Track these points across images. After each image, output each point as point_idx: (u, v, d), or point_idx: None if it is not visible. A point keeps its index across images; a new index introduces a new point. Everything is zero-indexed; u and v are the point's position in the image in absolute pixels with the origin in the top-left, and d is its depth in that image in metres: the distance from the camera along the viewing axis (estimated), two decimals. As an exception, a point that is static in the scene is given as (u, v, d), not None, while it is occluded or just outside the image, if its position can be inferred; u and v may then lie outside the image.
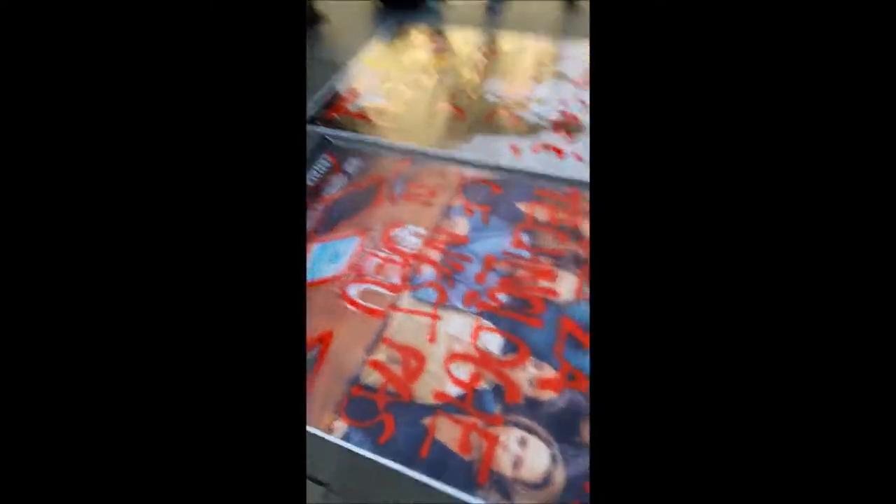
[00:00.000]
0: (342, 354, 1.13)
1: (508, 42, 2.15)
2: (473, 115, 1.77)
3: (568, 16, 2.35)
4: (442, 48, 2.16)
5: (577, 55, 1.99)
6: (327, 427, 1.01)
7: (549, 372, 1.07)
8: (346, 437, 1.00)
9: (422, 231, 1.37)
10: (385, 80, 1.98)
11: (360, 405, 1.07)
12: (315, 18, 2.39)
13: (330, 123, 1.78)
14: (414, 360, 1.11)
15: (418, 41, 2.23)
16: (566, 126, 1.67)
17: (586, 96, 1.78)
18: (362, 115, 1.81)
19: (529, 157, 1.57)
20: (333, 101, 1.89)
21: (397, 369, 1.09)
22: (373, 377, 1.09)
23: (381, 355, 1.12)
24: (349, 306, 1.21)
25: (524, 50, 2.08)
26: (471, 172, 1.53)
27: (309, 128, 1.77)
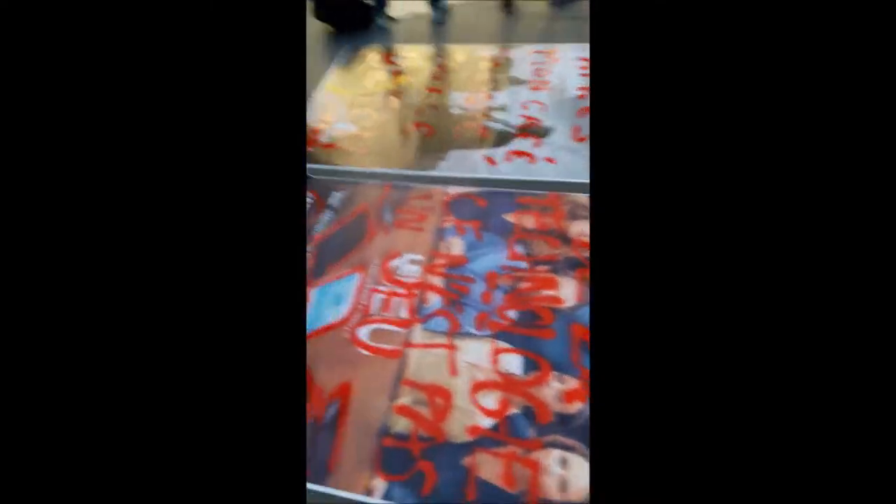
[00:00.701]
0: (365, 406, 0.96)
1: (460, 53, 1.95)
2: (443, 130, 1.58)
3: (508, 21, 2.16)
4: (399, 67, 1.94)
5: (525, 58, 1.82)
6: (365, 489, 0.85)
7: (571, 382, 0.94)
8: (387, 496, 0.84)
9: (419, 258, 1.19)
10: (351, 106, 1.75)
11: (395, 457, 0.91)
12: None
13: (306, 158, 1.55)
14: (440, 398, 0.95)
15: (375, 62, 1.99)
16: (531, 130, 1.50)
17: (542, 98, 1.61)
18: (336, 146, 1.59)
19: (504, 166, 1.41)
20: (306, 136, 1.65)
21: (425, 411, 0.93)
22: (401, 424, 0.93)
23: (405, 399, 0.96)
24: (362, 350, 1.03)
25: (476, 59, 1.89)
26: (453, 189, 1.35)
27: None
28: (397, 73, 1.95)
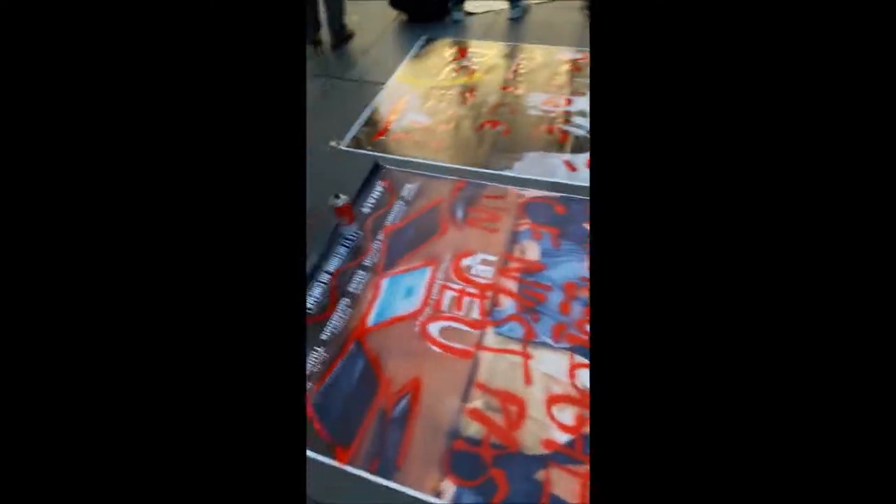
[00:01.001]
0: (435, 404, 0.96)
1: (538, 53, 1.93)
2: (519, 131, 1.57)
3: (588, 23, 2.12)
4: (473, 62, 1.94)
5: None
6: (434, 490, 0.84)
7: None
8: (457, 500, 0.84)
9: (492, 258, 1.19)
10: (424, 98, 1.76)
11: (466, 461, 0.90)
12: (345, 37, 2.15)
13: (377, 146, 1.57)
14: (513, 405, 0.94)
15: (449, 55, 2.00)
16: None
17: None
18: (408, 136, 1.60)
19: (585, 172, 1.38)
20: (377, 122, 1.68)
21: (498, 417, 0.93)
22: (473, 428, 0.92)
23: (477, 402, 0.95)
24: (432, 347, 1.03)
25: (555, 62, 1.87)
26: (530, 192, 1.34)
27: (359, 151, 1.56)
28: (472, 68, 1.95)
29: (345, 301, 1.14)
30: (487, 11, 2.29)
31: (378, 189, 1.42)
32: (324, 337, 1.07)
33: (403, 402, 0.95)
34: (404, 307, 1.12)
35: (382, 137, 1.61)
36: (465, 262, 1.19)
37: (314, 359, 1.04)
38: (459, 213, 1.31)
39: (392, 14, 2.33)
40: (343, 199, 1.23)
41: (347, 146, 1.59)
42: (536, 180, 1.38)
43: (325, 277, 1.19)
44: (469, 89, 1.79)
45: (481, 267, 1.17)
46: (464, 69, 1.91)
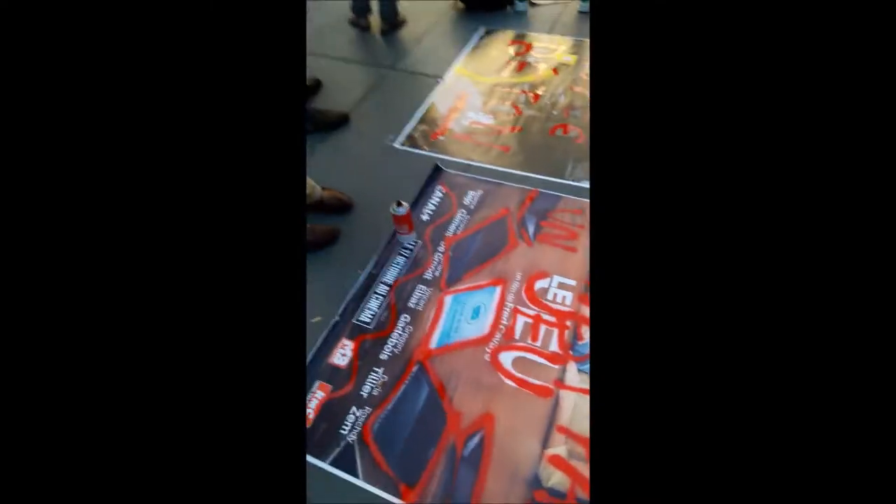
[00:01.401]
0: (512, 446, 0.89)
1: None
2: (594, 137, 1.47)
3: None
4: (539, 59, 1.85)
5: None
6: (515, 547, 0.78)
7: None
8: (539, 562, 0.77)
9: (570, 283, 1.11)
10: (487, 97, 1.68)
11: (548, 517, 0.83)
12: (397, 23, 2.08)
13: (435, 146, 1.50)
14: (601, 457, 0.86)
15: (513, 49, 1.91)
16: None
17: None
18: (470, 138, 1.52)
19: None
20: (435, 120, 1.61)
21: (583, 468, 0.85)
22: (556, 478, 0.85)
23: (559, 448, 0.88)
24: (506, 380, 0.96)
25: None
26: (609, 209, 1.25)
27: (416, 152, 1.50)
28: (537, 65, 1.86)
29: (404, 317, 1.08)
30: (555, 3, 2.19)
31: (438, 195, 1.35)
32: (383, 357, 1.01)
33: (476, 441, 0.88)
34: (472, 331, 1.05)
35: (441, 137, 1.54)
36: (540, 284, 1.11)
37: (373, 381, 0.98)
38: (530, 228, 1.24)
39: (448, 1, 2.25)
40: (405, 207, 1.16)
41: (402, 144, 1.53)
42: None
43: (383, 289, 1.13)
44: (536, 88, 1.70)
45: (559, 291, 1.10)
46: (528, 66, 1.82)
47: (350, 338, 1.05)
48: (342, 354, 1.03)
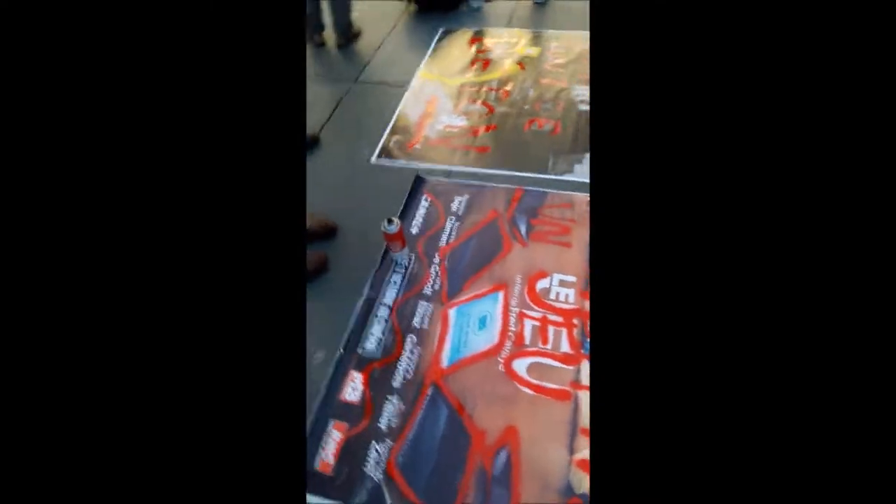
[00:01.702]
0: (539, 456, 0.88)
1: (575, 41, 1.84)
2: (573, 128, 1.48)
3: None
4: (502, 54, 1.84)
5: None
6: (561, 561, 0.77)
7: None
8: (587, 572, 0.76)
9: (570, 279, 1.10)
10: (457, 98, 1.67)
11: (588, 524, 0.83)
12: (352, 35, 2.04)
13: (413, 156, 1.48)
14: (631, 453, 0.86)
15: (475, 48, 1.90)
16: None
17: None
18: (447, 143, 1.51)
19: (654, 172, 1.30)
20: (408, 129, 1.59)
21: (615, 469, 0.85)
22: (587, 483, 0.84)
23: (586, 452, 0.87)
24: (523, 388, 0.95)
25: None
26: (597, 199, 1.25)
27: (394, 164, 1.47)
28: (502, 60, 1.86)
29: (411, 339, 1.05)
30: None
31: (423, 205, 1.33)
32: (395, 384, 0.98)
33: (503, 457, 0.87)
34: (481, 342, 1.03)
35: (418, 146, 1.52)
36: (541, 284, 1.10)
37: (389, 411, 0.95)
38: (522, 228, 1.23)
39: (400, 5, 2.22)
40: (396, 224, 1.14)
41: (378, 158, 1.50)
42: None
43: (384, 312, 1.10)
44: (504, 85, 1.69)
45: (560, 289, 1.09)
46: (493, 62, 1.81)
47: (358, 369, 1.02)
48: (353, 389, 0.99)
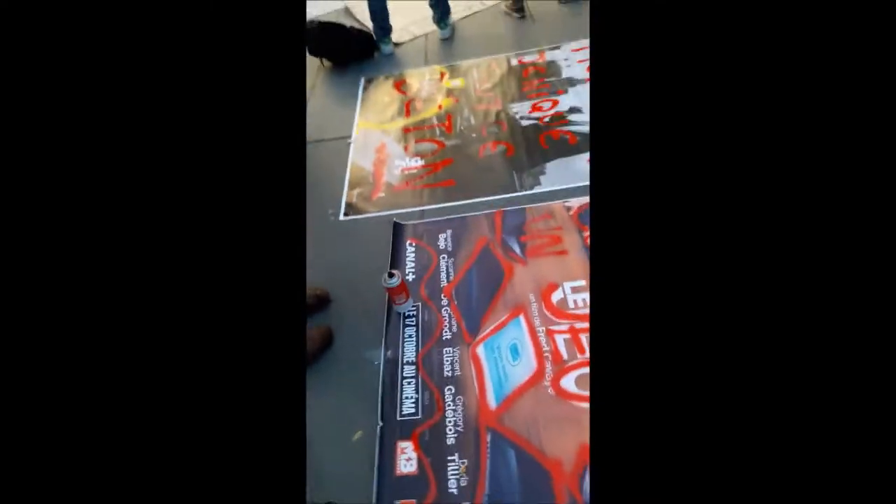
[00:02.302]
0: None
1: (495, 65, 1.95)
2: (523, 145, 1.54)
3: (519, 26, 2.20)
4: (430, 90, 1.90)
5: (569, 57, 1.85)
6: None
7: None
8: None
9: (580, 284, 1.12)
10: (403, 140, 1.67)
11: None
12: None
13: (379, 205, 1.44)
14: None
15: (399, 90, 1.94)
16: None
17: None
18: (410, 185, 1.50)
19: (612, 167, 1.39)
20: (366, 179, 1.55)
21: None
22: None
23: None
24: (580, 404, 0.94)
25: (515, 68, 1.89)
26: (575, 201, 1.31)
27: (364, 217, 1.42)
28: (435, 96, 1.90)
29: (449, 390, 1.00)
30: (415, 38, 2.28)
31: (411, 250, 1.30)
32: (450, 442, 0.92)
33: (588, 479, 0.84)
34: (521, 372, 1.00)
35: (381, 194, 1.49)
36: (556, 296, 1.11)
37: (454, 472, 0.88)
38: (516, 247, 1.24)
39: (315, 63, 2.22)
40: (397, 276, 1.09)
41: (346, 216, 1.44)
42: (574, 187, 1.36)
43: (411, 370, 1.04)
44: (443, 120, 1.74)
45: (575, 296, 1.11)
46: (425, 101, 1.86)
47: (405, 438, 0.94)
48: (407, 460, 0.91)
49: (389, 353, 1.08)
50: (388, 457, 0.92)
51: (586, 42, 1.90)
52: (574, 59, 1.84)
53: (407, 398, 1.00)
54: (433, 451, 0.92)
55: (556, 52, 1.91)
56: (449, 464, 0.90)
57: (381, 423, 0.97)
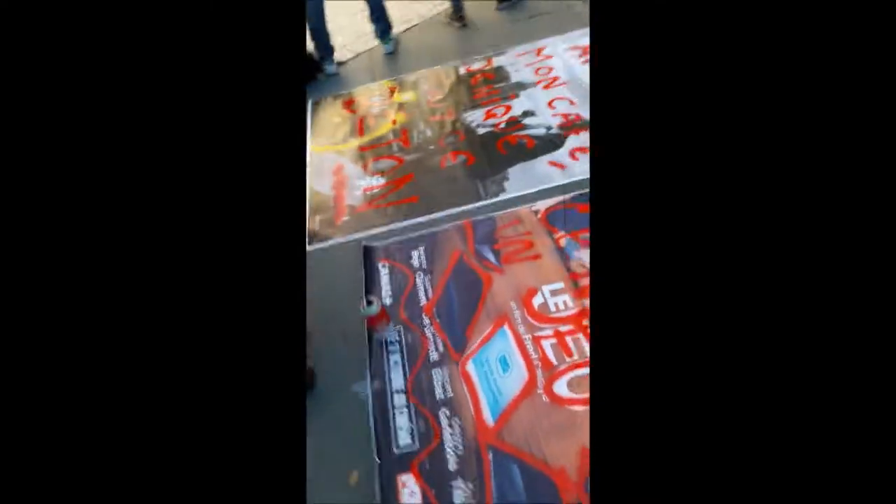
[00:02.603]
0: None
1: (443, 75, 1.95)
2: (483, 153, 1.54)
3: (461, 35, 2.22)
4: (381, 106, 1.88)
5: (514, 62, 1.88)
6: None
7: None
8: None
9: (559, 286, 1.13)
10: (360, 160, 1.64)
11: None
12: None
13: (343, 230, 1.40)
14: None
15: (348, 109, 1.90)
16: (577, 125, 1.54)
17: (563, 93, 1.67)
18: (374, 205, 1.46)
19: (578, 166, 1.41)
20: (326, 203, 1.50)
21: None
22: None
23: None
24: (576, 408, 0.93)
25: (464, 76, 1.90)
26: (541, 204, 1.32)
27: (330, 244, 1.37)
28: (388, 112, 1.88)
29: (444, 413, 0.97)
30: (357, 55, 2.25)
31: (384, 273, 1.26)
32: (452, 467, 0.89)
33: (595, 485, 0.83)
34: (514, 383, 0.99)
35: (345, 218, 1.45)
36: (536, 301, 1.11)
37: (459, 498, 0.85)
38: (490, 256, 1.23)
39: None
40: (377, 304, 1.05)
41: (311, 245, 1.39)
42: (539, 191, 1.37)
43: (401, 399, 1.00)
44: (399, 135, 1.72)
45: (555, 299, 1.10)
46: (377, 118, 1.83)
47: (405, 471, 0.90)
48: (410, 493, 0.87)
49: (376, 383, 1.04)
50: (389, 494, 0.88)
51: (530, 46, 1.94)
52: (521, 63, 1.87)
53: (400, 429, 0.96)
54: (435, 479, 0.89)
55: (502, 57, 1.94)
56: (453, 490, 0.86)
57: (377, 461, 0.92)
